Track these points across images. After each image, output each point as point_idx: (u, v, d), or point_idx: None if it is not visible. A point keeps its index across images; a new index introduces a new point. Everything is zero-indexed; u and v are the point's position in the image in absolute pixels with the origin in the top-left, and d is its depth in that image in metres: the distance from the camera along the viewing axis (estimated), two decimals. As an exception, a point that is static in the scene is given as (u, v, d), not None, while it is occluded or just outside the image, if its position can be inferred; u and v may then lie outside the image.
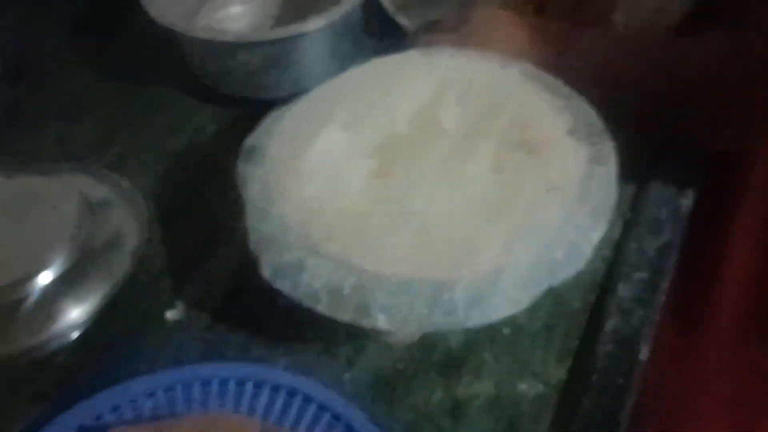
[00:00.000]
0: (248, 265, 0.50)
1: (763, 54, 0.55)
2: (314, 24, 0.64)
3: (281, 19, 0.79)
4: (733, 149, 0.61)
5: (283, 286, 0.49)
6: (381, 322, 0.47)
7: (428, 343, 0.54)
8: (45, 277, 0.53)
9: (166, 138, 0.70)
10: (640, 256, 0.56)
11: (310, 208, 0.52)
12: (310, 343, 0.54)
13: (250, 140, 0.57)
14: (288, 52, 0.65)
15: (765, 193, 0.63)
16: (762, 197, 0.62)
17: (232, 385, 0.50)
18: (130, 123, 0.71)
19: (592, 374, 0.51)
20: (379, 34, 0.75)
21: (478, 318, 0.47)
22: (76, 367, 0.54)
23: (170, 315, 0.57)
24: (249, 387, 0.50)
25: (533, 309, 0.50)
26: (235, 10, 0.78)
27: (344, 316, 0.48)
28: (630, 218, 0.59)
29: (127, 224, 0.58)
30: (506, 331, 0.54)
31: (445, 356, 0.54)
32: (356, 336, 0.54)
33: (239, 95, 0.70)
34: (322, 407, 0.50)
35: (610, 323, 0.53)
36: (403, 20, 0.72)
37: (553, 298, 0.55)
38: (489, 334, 0.54)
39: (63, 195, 0.57)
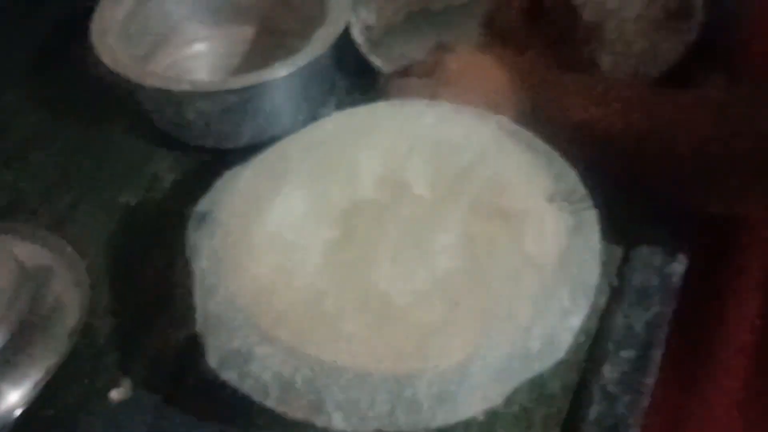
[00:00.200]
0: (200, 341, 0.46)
1: (756, 111, 0.50)
2: (278, 71, 0.59)
3: (249, 56, 0.74)
4: (729, 212, 0.56)
5: (230, 376, 0.44)
6: (336, 421, 0.42)
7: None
8: (-24, 356, 0.49)
9: (120, 187, 0.65)
10: (627, 332, 0.52)
11: (262, 285, 0.47)
12: (265, 430, 0.50)
13: (201, 204, 0.52)
14: (250, 101, 0.60)
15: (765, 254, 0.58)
16: (763, 259, 0.58)
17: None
18: (83, 170, 0.67)
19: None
20: (352, 74, 0.71)
21: (445, 416, 0.42)
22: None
23: (115, 394, 0.52)
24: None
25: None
26: (199, 47, 0.73)
27: (296, 413, 0.43)
28: (617, 286, 0.55)
29: (69, 293, 0.54)
30: (480, 417, 0.49)
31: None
32: (314, 426, 0.49)
33: (198, 144, 0.65)
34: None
35: (594, 410, 0.48)
36: (376, 61, 0.68)
37: (530, 379, 0.50)
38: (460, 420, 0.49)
39: (-3, 262, 0.53)
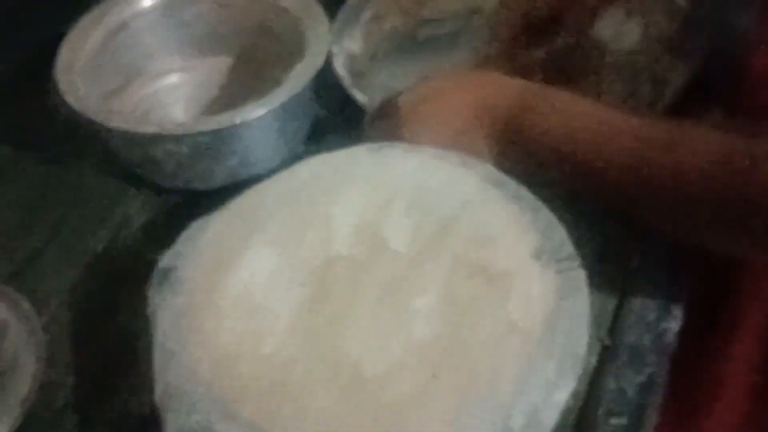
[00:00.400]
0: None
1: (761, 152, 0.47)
2: (252, 112, 0.56)
3: (226, 87, 0.71)
4: (733, 256, 0.52)
5: (189, 456, 0.41)
6: (302, 508, 0.39)
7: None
8: None
9: (87, 231, 0.62)
10: (618, 397, 0.48)
11: (226, 353, 0.44)
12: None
13: (165, 259, 0.49)
14: (222, 143, 0.57)
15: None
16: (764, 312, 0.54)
17: None
18: (48, 212, 0.63)
19: None
20: (334, 108, 0.67)
21: (418, 503, 0.39)
22: None
23: (73, 462, 0.49)
24: None
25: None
26: (174, 79, 0.70)
27: (258, 499, 0.40)
28: (607, 344, 0.51)
29: (23, 354, 0.50)
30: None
31: None
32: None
33: (168, 186, 0.62)
34: None
35: (581, 485, 0.45)
36: (359, 96, 0.64)
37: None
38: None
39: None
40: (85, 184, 0.65)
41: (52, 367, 0.52)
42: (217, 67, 0.70)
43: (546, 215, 0.48)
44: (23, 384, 0.49)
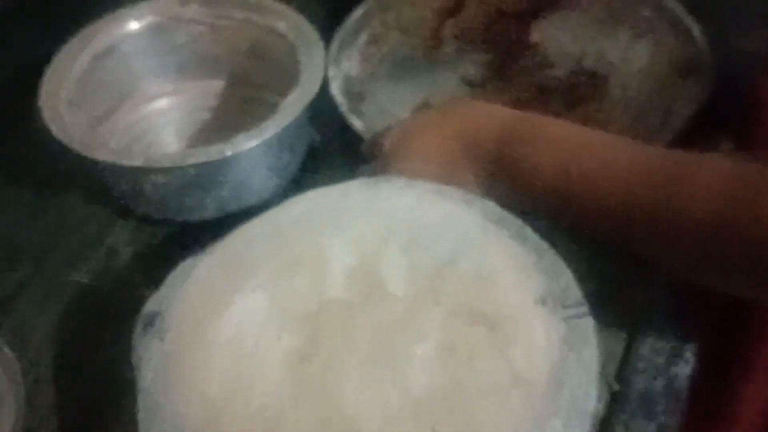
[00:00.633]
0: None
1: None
2: (243, 144, 0.54)
3: (218, 111, 0.69)
4: (748, 298, 0.50)
5: None
6: None
7: None
8: None
9: (73, 263, 0.59)
10: (628, 448, 0.46)
11: (213, 406, 0.42)
12: None
13: (151, 303, 0.47)
14: (212, 175, 0.55)
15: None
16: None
17: None
18: (32, 243, 0.61)
19: None
20: (330, 133, 0.65)
21: None
22: None
23: None
24: None
25: None
26: (164, 103, 0.67)
27: None
28: (617, 391, 0.49)
29: (7, 397, 0.48)
30: None
31: None
32: None
33: (158, 217, 0.59)
34: None
35: None
36: (356, 122, 0.62)
37: None
38: None
39: None
40: (71, 214, 0.63)
41: (35, 412, 0.50)
42: (208, 90, 0.68)
43: (551, 256, 0.46)
44: (8, 419, 0.47)
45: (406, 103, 0.67)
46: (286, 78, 0.60)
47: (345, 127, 0.63)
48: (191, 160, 0.53)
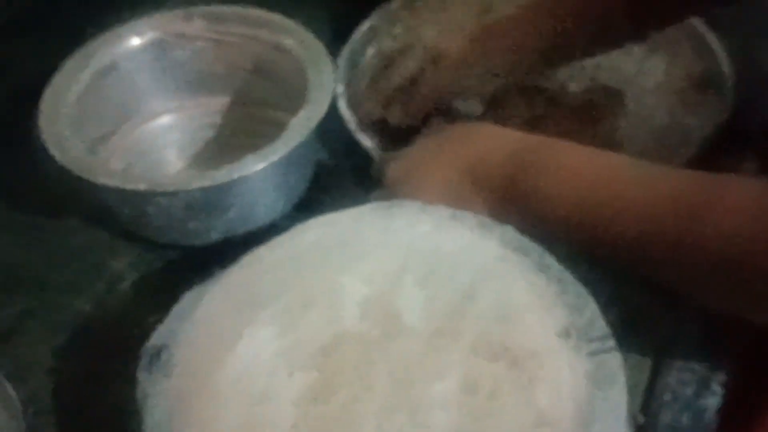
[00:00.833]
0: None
1: None
2: (250, 166, 0.52)
3: (223, 129, 0.67)
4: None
5: None
6: None
7: None
8: None
9: (75, 290, 0.57)
10: (655, 486, 0.44)
11: (222, 453, 0.40)
12: None
13: (156, 337, 0.45)
14: (219, 198, 0.53)
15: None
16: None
17: None
18: (35, 269, 0.59)
19: None
20: (339, 154, 0.63)
21: None
22: None
23: None
24: None
25: None
26: (167, 120, 0.65)
27: None
28: (642, 424, 0.47)
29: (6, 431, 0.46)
30: None
31: None
32: None
33: (162, 241, 0.57)
34: None
35: None
36: (366, 141, 0.60)
37: None
38: None
39: None
40: (73, 239, 0.61)
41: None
42: (212, 107, 0.66)
43: (574, 287, 0.44)
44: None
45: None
46: (293, 95, 0.58)
47: (354, 145, 0.61)
48: (197, 184, 0.51)
